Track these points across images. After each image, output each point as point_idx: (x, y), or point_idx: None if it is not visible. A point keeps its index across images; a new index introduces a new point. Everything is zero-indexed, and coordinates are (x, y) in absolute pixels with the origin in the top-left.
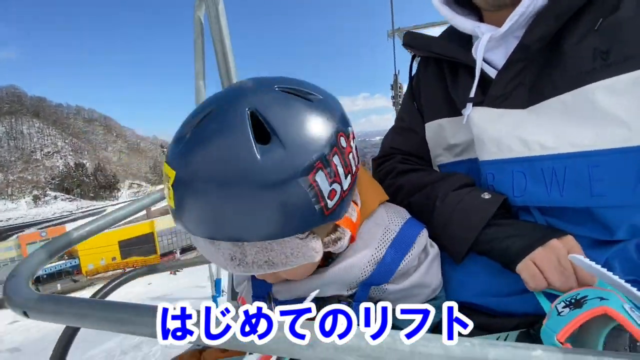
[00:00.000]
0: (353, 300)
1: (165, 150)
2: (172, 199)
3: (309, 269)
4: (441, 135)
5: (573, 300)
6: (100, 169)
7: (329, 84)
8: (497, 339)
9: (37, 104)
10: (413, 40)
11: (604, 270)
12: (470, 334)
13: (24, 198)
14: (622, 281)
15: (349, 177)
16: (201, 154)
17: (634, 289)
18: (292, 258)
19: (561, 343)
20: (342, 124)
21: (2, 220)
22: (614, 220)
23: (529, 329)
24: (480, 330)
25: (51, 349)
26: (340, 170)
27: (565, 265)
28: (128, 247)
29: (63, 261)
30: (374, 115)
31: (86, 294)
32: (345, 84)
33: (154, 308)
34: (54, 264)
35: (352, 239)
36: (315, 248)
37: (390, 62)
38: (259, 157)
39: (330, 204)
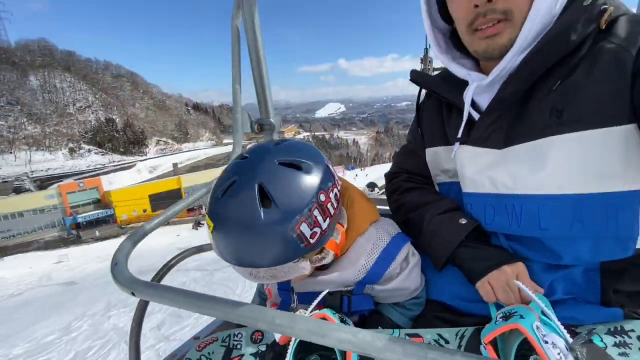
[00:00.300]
0: (352, 294)
1: (190, 109)
2: (213, 239)
3: (304, 275)
4: (437, 160)
5: (507, 313)
6: (129, 125)
7: (355, 43)
8: (457, 332)
9: (67, 58)
10: (418, 77)
11: (533, 295)
12: (441, 327)
13: (61, 150)
14: (543, 305)
15: (327, 220)
16: (227, 214)
17: (552, 312)
18: (289, 274)
19: (485, 344)
20: (323, 183)
21: (42, 170)
22: (559, 249)
23: (482, 328)
24: (449, 324)
25: (96, 283)
26: (320, 218)
27: (511, 287)
28: (157, 200)
29: (100, 210)
30: (401, 78)
31: (118, 241)
32: (373, 42)
33: (211, 297)
34: (92, 213)
35: (336, 255)
36: (304, 267)
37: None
38: (262, 217)
39: (312, 241)
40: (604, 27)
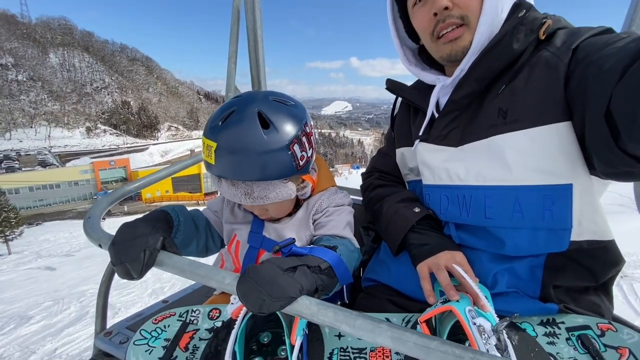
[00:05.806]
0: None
1: (201, 97)
2: (213, 159)
3: (287, 207)
4: (404, 159)
5: (447, 299)
6: (144, 108)
7: (369, 42)
8: (404, 318)
9: (87, 38)
10: (392, 85)
11: (469, 279)
12: (392, 310)
13: (78, 128)
14: (478, 289)
15: (310, 150)
16: (233, 133)
17: (485, 297)
18: (279, 194)
19: (420, 322)
20: (306, 118)
21: (60, 147)
22: (502, 238)
23: None
24: (399, 307)
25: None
26: (306, 145)
27: (442, 270)
28: (179, 183)
29: None
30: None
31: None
32: (387, 43)
33: (171, 255)
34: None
35: (312, 189)
36: (292, 189)
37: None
38: (265, 136)
39: (301, 164)
40: (543, 38)
